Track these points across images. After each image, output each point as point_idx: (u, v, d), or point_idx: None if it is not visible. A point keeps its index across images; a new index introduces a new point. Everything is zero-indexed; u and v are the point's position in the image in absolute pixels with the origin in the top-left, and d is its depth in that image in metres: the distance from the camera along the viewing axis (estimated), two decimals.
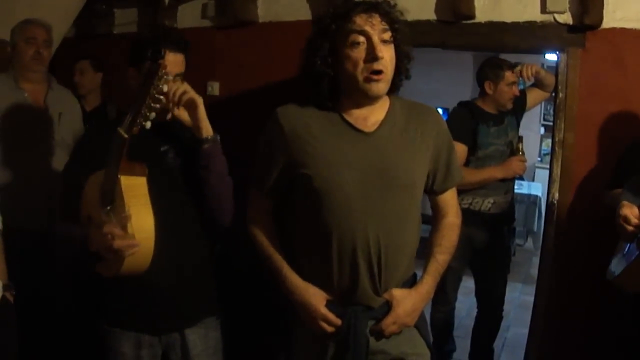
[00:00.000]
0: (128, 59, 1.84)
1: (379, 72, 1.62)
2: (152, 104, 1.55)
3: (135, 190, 1.67)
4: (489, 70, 3.17)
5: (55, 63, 2.89)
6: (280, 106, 1.77)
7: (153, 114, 1.57)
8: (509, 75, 3.11)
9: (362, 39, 1.61)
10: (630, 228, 1.92)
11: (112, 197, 1.65)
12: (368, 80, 1.62)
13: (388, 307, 1.72)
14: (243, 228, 1.89)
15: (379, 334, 1.73)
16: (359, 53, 1.61)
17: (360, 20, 1.61)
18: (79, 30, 3.57)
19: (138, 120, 1.56)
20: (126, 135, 1.58)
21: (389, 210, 1.67)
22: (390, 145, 1.71)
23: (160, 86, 1.54)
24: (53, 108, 2.78)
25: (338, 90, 1.71)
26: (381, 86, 1.64)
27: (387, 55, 1.62)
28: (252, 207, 1.89)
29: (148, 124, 1.57)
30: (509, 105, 3.17)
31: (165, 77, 1.54)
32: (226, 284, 2.06)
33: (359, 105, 1.71)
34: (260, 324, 2.74)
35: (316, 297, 1.72)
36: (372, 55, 1.60)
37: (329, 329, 1.71)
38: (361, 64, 1.61)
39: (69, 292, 2.75)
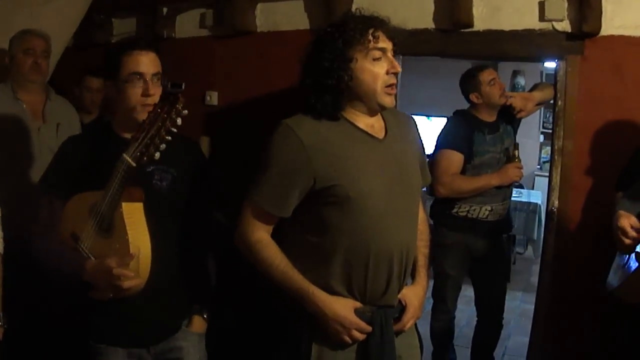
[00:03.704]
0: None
1: (394, 85, 1.70)
2: (165, 137, 1.53)
3: (134, 215, 1.68)
4: (466, 84, 3.18)
5: (53, 73, 2.88)
6: (288, 119, 1.69)
7: (163, 146, 1.54)
8: (485, 76, 3.10)
9: (382, 54, 1.67)
10: (627, 241, 1.90)
11: (110, 222, 1.66)
12: (387, 93, 1.69)
13: (402, 305, 1.79)
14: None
15: (397, 332, 1.79)
16: (381, 67, 1.67)
17: (381, 36, 1.66)
18: (77, 40, 3.57)
19: (149, 151, 1.55)
20: (134, 164, 1.57)
21: (409, 213, 1.78)
22: (399, 150, 1.78)
23: (175, 119, 1.52)
24: (51, 119, 2.77)
25: (339, 100, 1.69)
26: (393, 99, 1.73)
27: None
28: (256, 227, 1.75)
29: (157, 155, 1.55)
30: (502, 100, 3.13)
31: (183, 111, 1.53)
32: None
33: (365, 115, 1.74)
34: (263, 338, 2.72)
35: (346, 307, 1.70)
36: (392, 70, 1.68)
37: (361, 336, 1.71)
38: (382, 78, 1.67)
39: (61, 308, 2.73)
